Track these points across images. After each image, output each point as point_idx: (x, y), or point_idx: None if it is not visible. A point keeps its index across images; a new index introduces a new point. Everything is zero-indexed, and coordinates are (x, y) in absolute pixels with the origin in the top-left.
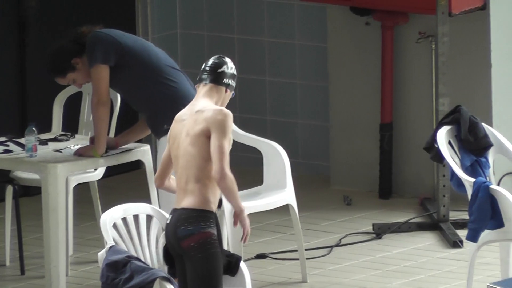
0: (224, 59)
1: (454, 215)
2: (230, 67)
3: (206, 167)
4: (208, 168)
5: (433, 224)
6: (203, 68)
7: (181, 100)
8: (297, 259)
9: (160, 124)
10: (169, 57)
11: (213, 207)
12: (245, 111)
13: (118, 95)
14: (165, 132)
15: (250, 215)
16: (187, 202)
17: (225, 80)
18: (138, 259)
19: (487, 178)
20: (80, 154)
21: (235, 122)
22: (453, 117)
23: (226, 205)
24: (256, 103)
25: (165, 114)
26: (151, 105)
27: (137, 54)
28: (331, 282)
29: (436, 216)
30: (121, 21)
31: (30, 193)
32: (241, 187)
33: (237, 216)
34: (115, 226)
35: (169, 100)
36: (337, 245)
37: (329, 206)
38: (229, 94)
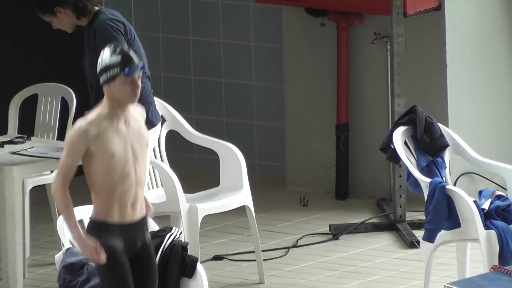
0: (101, 52)
1: (411, 216)
2: (99, 61)
3: (90, 179)
4: (91, 180)
5: (390, 224)
6: None
7: (149, 98)
8: (254, 260)
9: None
10: None
11: (108, 217)
12: (201, 113)
13: (74, 97)
14: None
15: (207, 216)
16: None
17: (101, 79)
18: None
19: (443, 178)
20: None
21: (191, 123)
22: (409, 118)
23: (182, 205)
24: (212, 105)
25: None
26: None
27: (136, 42)
28: (288, 283)
29: (393, 216)
30: None
31: None
32: (198, 188)
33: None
34: None
35: (143, 95)
36: (294, 246)
37: (285, 207)
38: (112, 87)
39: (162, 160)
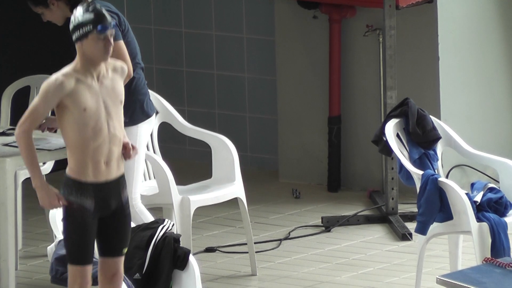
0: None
1: (403, 208)
2: (72, 19)
3: (64, 134)
4: (64, 135)
5: (382, 217)
6: None
7: (144, 89)
8: (246, 252)
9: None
10: None
11: (82, 175)
12: (194, 105)
13: None
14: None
15: (199, 208)
16: None
17: (73, 37)
18: None
19: (436, 170)
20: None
21: (183, 115)
22: (401, 110)
23: (175, 197)
24: (204, 97)
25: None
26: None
27: (129, 33)
28: (280, 275)
29: (385, 208)
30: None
31: None
32: (190, 180)
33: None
34: None
35: (138, 86)
36: (286, 238)
37: (277, 200)
38: (85, 44)
39: (154, 152)
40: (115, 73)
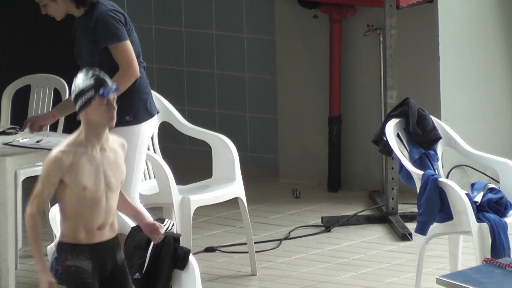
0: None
1: (403, 208)
2: (73, 88)
3: (60, 202)
4: (60, 204)
5: (382, 217)
6: None
7: (147, 88)
8: (246, 252)
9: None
10: None
11: (76, 240)
12: (194, 104)
13: (67, 87)
14: (125, 123)
15: (199, 208)
16: None
17: (76, 106)
18: None
19: (436, 171)
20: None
21: (183, 114)
22: (402, 110)
23: (175, 196)
24: (204, 96)
25: (131, 102)
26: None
27: (133, 33)
28: (280, 275)
29: (385, 209)
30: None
31: None
32: (190, 180)
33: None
34: None
35: (142, 85)
36: (286, 238)
37: (277, 199)
38: (89, 111)
39: (154, 151)
40: (120, 148)
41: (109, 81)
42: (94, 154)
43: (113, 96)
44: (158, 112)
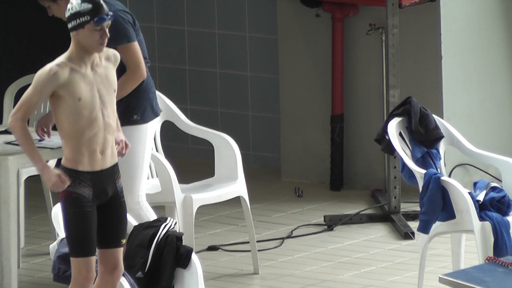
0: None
1: (405, 207)
2: (69, 7)
3: (58, 124)
4: (59, 126)
5: (384, 215)
6: None
7: (153, 88)
8: (249, 251)
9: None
10: None
11: (78, 165)
12: (196, 103)
13: None
14: (133, 122)
15: (202, 207)
16: None
17: (69, 25)
18: None
19: (438, 169)
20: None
21: (185, 113)
22: (404, 109)
23: (177, 195)
24: (207, 95)
25: (139, 101)
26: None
27: (139, 32)
28: (283, 273)
29: (387, 207)
30: None
31: None
32: (193, 179)
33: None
34: None
35: (148, 84)
36: (289, 236)
37: (280, 198)
38: (81, 33)
39: (157, 150)
40: (108, 61)
41: (105, 8)
42: (87, 73)
43: (107, 24)
44: (160, 111)
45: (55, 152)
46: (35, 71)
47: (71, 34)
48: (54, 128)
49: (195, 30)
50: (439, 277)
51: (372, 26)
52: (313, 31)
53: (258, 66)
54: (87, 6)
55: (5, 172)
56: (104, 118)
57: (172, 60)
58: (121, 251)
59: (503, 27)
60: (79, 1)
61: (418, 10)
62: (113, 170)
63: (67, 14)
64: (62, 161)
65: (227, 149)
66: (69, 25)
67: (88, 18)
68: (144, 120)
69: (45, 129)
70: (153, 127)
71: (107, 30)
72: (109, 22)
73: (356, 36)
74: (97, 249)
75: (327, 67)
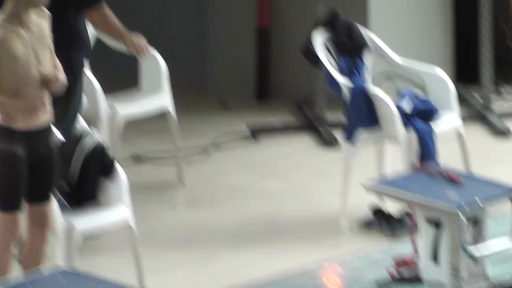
0: None
1: (330, 117)
2: None
3: None
4: None
5: (310, 125)
6: None
7: None
8: (174, 161)
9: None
10: None
11: (13, 123)
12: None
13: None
14: None
15: (127, 119)
16: None
17: None
18: None
19: (363, 79)
20: None
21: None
22: (330, 21)
23: (103, 109)
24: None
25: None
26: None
27: None
28: (208, 183)
29: (312, 117)
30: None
31: None
32: (118, 90)
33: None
34: None
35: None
36: (213, 146)
37: (206, 110)
38: None
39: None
40: (42, 18)
41: None
42: (21, 32)
43: None
44: None
45: None
46: None
47: None
48: None
49: None
50: (363, 183)
51: None
52: None
53: None
54: None
55: None
56: (40, 76)
57: None
58: (49, 206)
59: None
60: None
61: None
62: (47, 130)
63: None
64: None
65: (153, 62)
66: None
67: None
68: None
69: None
70: None
71: None
72: None
73: None
74: (26, 206)
75: None
